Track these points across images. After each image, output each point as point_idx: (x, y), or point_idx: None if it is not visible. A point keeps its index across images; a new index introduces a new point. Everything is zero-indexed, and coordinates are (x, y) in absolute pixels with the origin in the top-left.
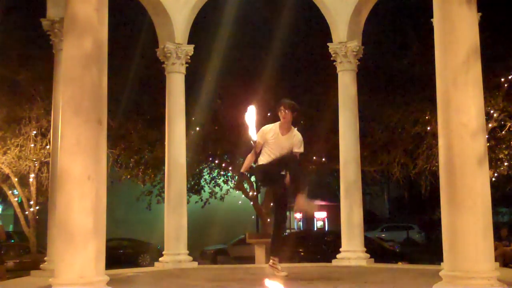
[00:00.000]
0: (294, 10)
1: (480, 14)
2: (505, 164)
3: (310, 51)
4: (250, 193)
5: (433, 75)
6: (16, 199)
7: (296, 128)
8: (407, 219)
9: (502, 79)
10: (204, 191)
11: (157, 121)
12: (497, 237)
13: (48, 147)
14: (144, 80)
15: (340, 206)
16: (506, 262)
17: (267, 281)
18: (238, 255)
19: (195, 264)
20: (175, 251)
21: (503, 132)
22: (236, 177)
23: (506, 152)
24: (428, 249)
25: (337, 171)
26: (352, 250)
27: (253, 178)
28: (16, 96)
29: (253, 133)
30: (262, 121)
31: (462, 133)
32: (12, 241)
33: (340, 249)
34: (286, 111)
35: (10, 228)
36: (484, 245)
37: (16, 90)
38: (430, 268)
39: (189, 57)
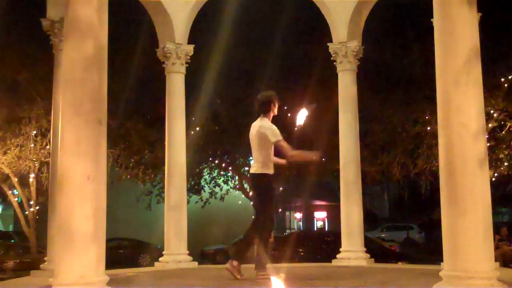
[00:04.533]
0: (294, 10)
1: (480, 14)
2: (505, 164)
3: (310, 51)
4: (250, 193)
5: (433, 75)
6: (16, 199)
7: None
8: (407, 219)
9: (502, 79)
10: (204, 191)
11: (157, 121)
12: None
13: (48, 147)
14: (144, 80)
15: (340, 206)
16: (506, 262)
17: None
18: None
19: (195, 264)
20: (175, 251)
21: (503, 132)
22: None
23: (506, 152)
24: (428, 249)
25: (337, 171)
26: (352, 250)
27: None
28: (16, 96)
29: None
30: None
31: (462, 134)
32: (12, 241)
33: (340, 249)
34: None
35: (10, 228)
36: (484, 245)
37: (16, 90)
38: (430, 268)
39: (189, 57)
